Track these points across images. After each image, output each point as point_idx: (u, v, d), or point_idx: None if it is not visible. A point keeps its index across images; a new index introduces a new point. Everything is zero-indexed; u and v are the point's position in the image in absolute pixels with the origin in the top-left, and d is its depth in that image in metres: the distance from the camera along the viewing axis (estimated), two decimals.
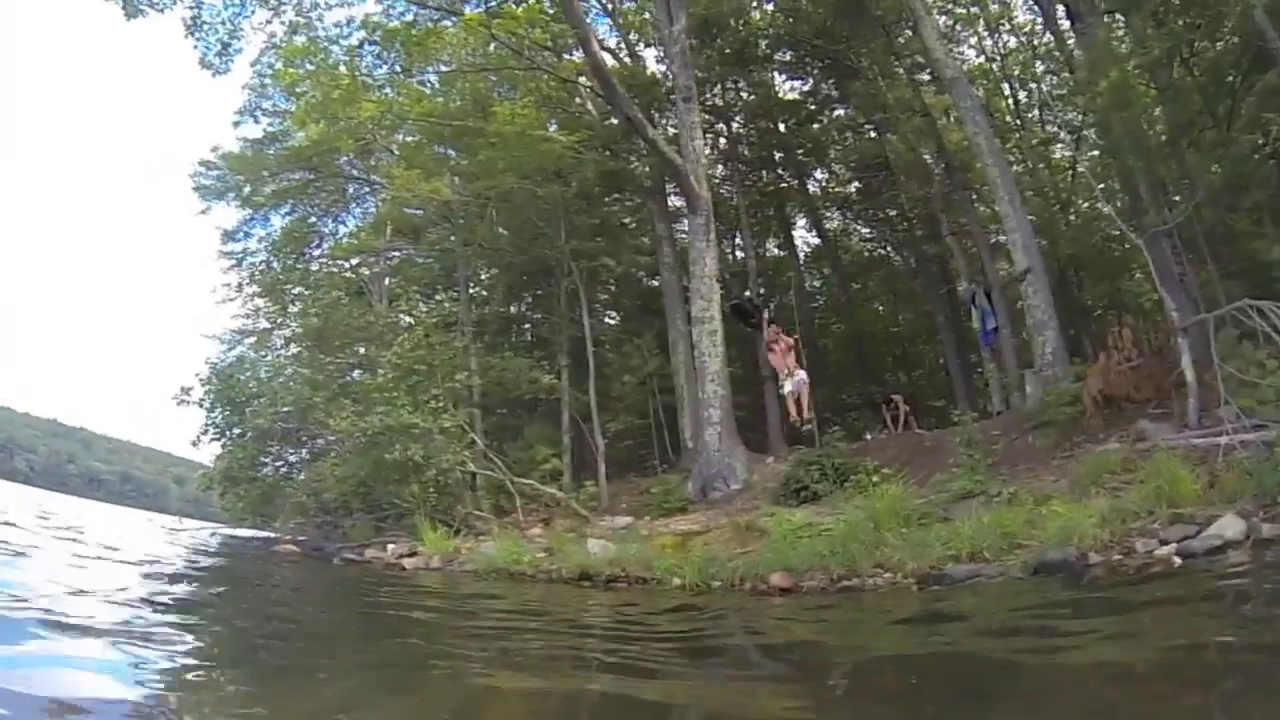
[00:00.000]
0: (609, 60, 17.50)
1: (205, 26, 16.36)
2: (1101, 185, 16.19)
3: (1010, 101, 21.42)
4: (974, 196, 19.16)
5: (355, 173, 23.31)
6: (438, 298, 17.41)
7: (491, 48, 17.23)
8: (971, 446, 10.10)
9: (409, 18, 17.90)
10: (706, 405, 14.62)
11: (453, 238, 20.98)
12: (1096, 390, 10.28)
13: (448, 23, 17.32)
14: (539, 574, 10.37)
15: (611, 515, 13.71)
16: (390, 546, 13.64)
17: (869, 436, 17.47)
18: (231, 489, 20.69)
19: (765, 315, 15.28)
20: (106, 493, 77.13)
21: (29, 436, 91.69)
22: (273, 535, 19.78)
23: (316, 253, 25.91)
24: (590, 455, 16.95)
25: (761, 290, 21.24)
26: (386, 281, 22.66)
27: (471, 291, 22.38)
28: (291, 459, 20.56)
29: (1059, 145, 21.48)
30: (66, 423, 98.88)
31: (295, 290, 24.04)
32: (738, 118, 23.28)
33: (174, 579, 8.15)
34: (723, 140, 22.92)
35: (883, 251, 26.27)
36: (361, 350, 19.11)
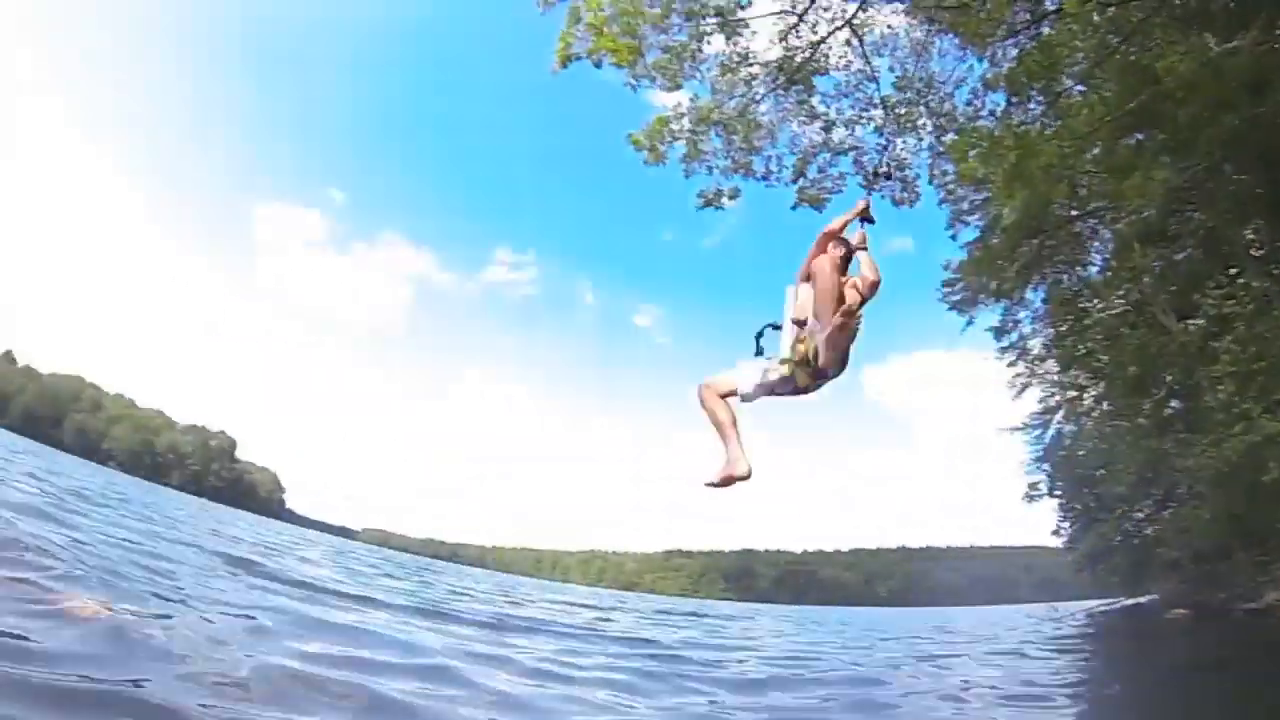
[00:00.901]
0: None
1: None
2: None
3: None
4: None
5: (1074, 212, 23.37)
6: None
7: (1095, 16, 16.39)
8: None
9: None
10: None
11: None
12: None
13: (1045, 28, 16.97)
14: None
15: None
16: None
17: None
18: (1102, 563, 21.79)
19: None
20: (965, 599, 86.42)
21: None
22: (1146, 600, 19.86)
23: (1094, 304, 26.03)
24: None
25: None
26: (1161, 296, 21.64)
27: None
28: (1137, 516, 20.57)
29: None
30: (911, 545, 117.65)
31: (1083, 349, 24.43)
32: None
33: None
34: None
35: None
36: (1167, 377, 18.56)
